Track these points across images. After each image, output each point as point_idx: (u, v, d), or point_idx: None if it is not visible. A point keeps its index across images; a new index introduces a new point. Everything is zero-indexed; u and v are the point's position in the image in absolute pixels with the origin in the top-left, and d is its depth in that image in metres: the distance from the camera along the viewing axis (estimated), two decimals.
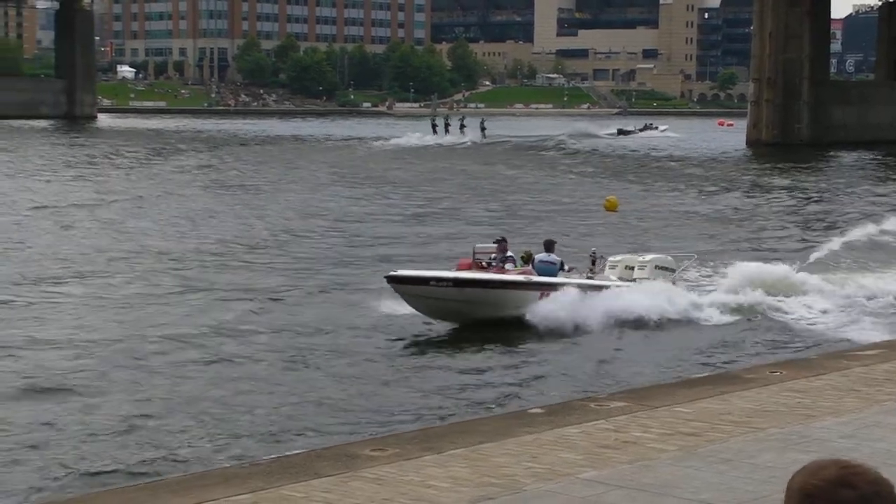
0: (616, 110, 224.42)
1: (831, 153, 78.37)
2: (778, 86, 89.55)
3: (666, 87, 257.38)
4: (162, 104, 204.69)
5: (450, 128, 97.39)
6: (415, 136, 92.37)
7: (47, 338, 20.03)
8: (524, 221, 38.13)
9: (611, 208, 40.66)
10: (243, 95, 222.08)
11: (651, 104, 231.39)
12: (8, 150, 77.04)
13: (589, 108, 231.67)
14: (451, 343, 20.81)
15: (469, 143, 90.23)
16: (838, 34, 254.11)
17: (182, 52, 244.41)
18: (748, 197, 49.32)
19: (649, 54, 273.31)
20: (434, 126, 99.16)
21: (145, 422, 14.87)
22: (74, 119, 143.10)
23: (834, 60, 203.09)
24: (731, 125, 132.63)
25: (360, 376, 17.74)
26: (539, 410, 11.02)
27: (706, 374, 15.12)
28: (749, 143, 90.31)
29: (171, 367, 18.08)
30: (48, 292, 24.57)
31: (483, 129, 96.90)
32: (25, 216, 39.55)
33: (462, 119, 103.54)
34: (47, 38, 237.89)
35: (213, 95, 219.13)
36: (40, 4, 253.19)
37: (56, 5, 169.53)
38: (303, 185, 53.60)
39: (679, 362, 19.29)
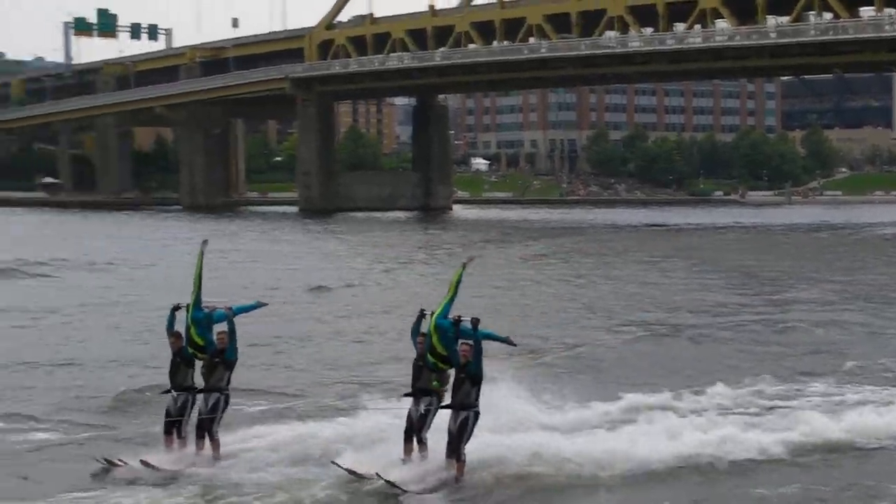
0: None
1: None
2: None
3: None
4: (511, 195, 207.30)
5: None
6: None
7: None
8: None
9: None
10: (593, 185, 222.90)
11: None
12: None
13: None
14: None
15: None
16: None
17: (532, 143, 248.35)
18: None
19: None
20: None
21: None
22: (430, 210, 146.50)
23: None
24: None
25: None
26: None
27: None
28: None
29: None
30: None
31: None
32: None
33: None
34: (405, 133, 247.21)
35: (563, 185, 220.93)
36: (398, 101, 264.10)
37: (413, 102, 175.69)
38: None
39: None
